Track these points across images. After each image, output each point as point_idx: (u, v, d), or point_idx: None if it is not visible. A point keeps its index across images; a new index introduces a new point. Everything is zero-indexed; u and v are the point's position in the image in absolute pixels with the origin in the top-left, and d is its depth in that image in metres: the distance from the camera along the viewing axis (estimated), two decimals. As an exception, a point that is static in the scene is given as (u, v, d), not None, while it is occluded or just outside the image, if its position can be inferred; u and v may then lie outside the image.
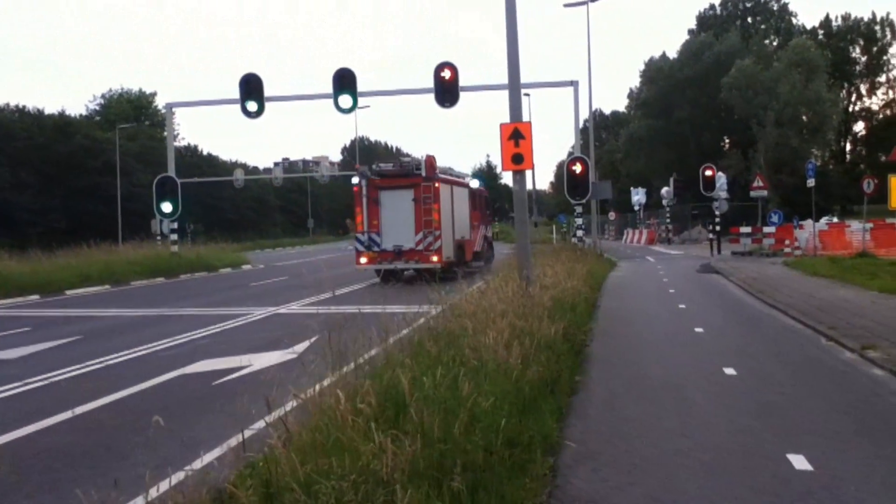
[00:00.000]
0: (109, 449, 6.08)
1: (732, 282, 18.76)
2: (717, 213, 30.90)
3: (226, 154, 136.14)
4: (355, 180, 21.51)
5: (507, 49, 12.14)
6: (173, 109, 33.63)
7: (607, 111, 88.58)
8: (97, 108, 74.06)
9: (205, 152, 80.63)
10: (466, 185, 25.40)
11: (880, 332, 10.02)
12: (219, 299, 18.47)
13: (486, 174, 68.79)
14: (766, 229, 29.15)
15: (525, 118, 12.61)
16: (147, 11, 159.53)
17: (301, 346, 8.04)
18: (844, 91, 66.60)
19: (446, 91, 22.86)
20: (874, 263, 20.45)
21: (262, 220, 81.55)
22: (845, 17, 68.91)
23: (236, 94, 24.67)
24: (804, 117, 50.42)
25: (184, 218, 33.53)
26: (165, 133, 42.14)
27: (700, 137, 56.84)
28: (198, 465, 4.44)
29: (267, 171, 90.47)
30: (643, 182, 59.54)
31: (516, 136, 11.73)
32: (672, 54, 61.44)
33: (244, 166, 79.76)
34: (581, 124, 29.04)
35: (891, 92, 69.42)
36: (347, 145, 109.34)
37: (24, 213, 48.67)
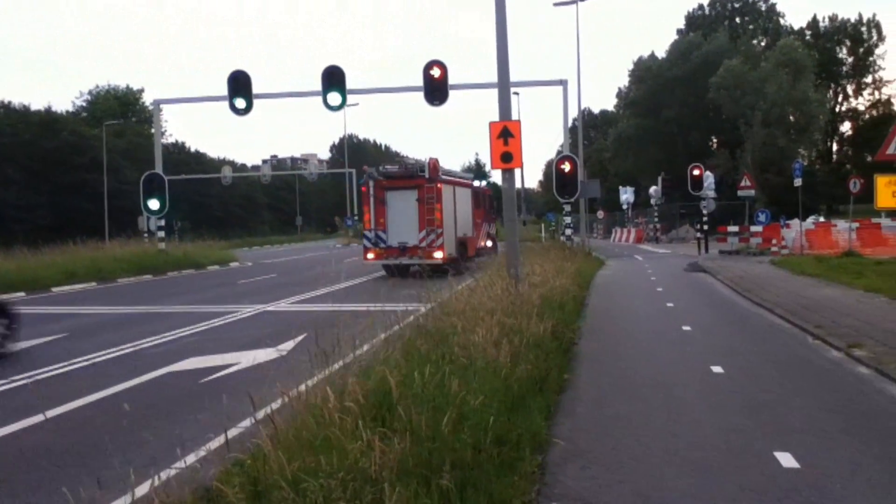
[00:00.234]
0: (96, 447, 6.03)
1: (720, 280, 18.84)
2: (704, 212, 31.02)
3: (214, 151, 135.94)
4: (363, 181, 22.80)
5: (496, 47, 12.15)
6: (161, 106, 33.40)
7: (596, 110, 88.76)
8: (84, 104, 73.59)
9: (192, 149, 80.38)
10: (470, 186, 26.50)
11: (866, 331, 10.08)
12: (206, 297, 18.39)
13: (475, 172, 68.77)
14: (754, 228, 29.28)
15: (514, 117, 12.62)
16: (137, 8, 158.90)
17: (289, 344, 8.02)
18: (831, 91, 67.02)
19: (435, 89, 22.83)
20: (860, 263, 20.58)
21: (250, 218, 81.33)
22: (832, 18, 69.38)
23: (225, 92, 24.56)
24: (791, 117, 50.67)
25: (171, 215, 33.33)
26: (153, 130, 41.90)
27: (688, 137, 57.02)
28: (185, 463, 4.41)
29: (255, 168, 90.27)
30: (631, 181, 59.71)
31: (505, 134, 11.73)
32: (661, 54, 61.68)
33: (232, 163, 79.54)
34: (570, 123, 29.08)
35: (877, 93, 69.98)
36: (336, 143, 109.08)
37: (9, 209, 48.30)
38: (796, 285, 16.57)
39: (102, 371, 9.38)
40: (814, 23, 69.23)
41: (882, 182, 14.56)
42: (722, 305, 14.57)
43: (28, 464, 5.80)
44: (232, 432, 4.66)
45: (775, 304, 13.31)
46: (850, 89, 70.43)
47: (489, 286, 10.01)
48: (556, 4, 32.42)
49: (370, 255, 22.81)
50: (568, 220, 28.96)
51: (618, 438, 5.84)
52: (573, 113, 40.22)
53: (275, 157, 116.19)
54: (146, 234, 34.50)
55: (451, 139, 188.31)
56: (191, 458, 4.67)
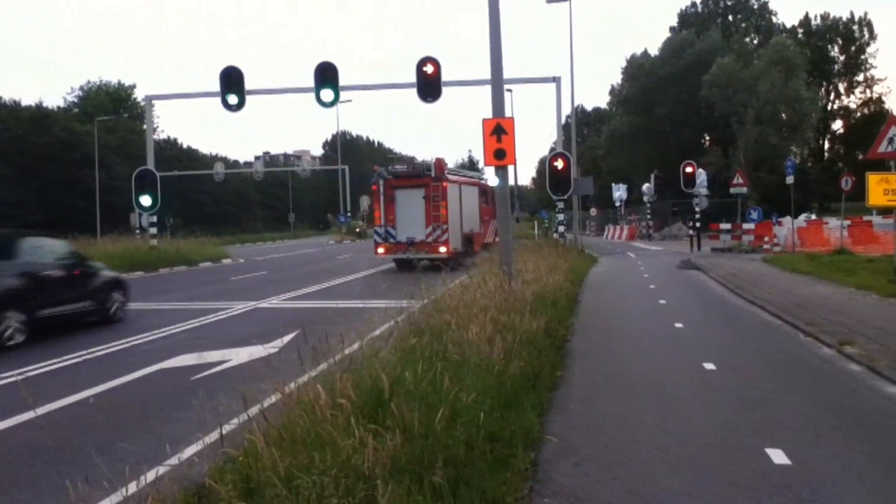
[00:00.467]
0: (87, 444, 6.01)
1: (712, 278, 18.89)
2: (697, 209, 31.08)
3: (206, 147, 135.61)
4: (374, 180, 24.21)
5: (489, 44, 12.13)
6: (153, 102, 33.27)
7: (589, 107, 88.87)
8: (75, 100, 73.33)
9: (185, 146, 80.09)
10: (477, 184, 27.72)
11: (857, 328, 10.12)
12: (198, 293, 18.34)
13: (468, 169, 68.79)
14: (746, 226, 29.36)
15: (507, 114, 12.60)
16: (130, 3, 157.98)
17: (281, 341, 7.99)
18: (823, 89, 67.30)
19: (429, 86, 22.75)
20: (851, 260, 20.67)
21: (242, 215, 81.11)
22: (824, 17, 69.68)
23: (218, 88, 24.42)
24: (783, 115, 50.83)
25: (163, 212, 33.18)
26: (145, 126, 41.75)
27: (681, 134, 57.12)
28: (177, 460, 4.40)
29: (248, 164, 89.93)
30: (624, 178, 59.81)
31: (499, 131, 11.71)
32: (654, 51, 61.69)
33: (224, 160, 79.19)
34: (563, 120, 29.02)
35: (868, 91, 70.32)
36: (329, 140, 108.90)
37: (0, 206, 48.08)
38: (788, 283, 16.63)
39: (93, 368, 9.35)
40: (806, 21, 69.54)
41: (873, 180, 14.59)
42: (714, 303, 14.61)
43: (18, 461, 5.78)
44: (224, 429, 4.65)
45: (767, 302, 13.35)
46: (841, 87, 70.80)
47: (482, 283, 10.01)
48: (549, 1, 32.37)
49: (381, 250, 24.01)
50: (561, 217, 28.99)
51: (610, 435, 5.84)
52: (566, 110, 40.26)
53: (267, 153, 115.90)
54: (138, 231, 34.37)
55: (445, 136, 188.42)
56: (183, 456, 4.66)
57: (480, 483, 4.26)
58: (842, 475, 4.87)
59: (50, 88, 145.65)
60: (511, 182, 26.42)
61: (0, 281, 11.27)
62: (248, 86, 23.92)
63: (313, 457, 4.01)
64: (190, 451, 5.03)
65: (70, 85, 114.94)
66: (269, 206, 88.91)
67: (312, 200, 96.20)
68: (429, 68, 22.50)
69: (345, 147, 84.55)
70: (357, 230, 59.88)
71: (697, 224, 31.26)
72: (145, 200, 27.35)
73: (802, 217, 35.03)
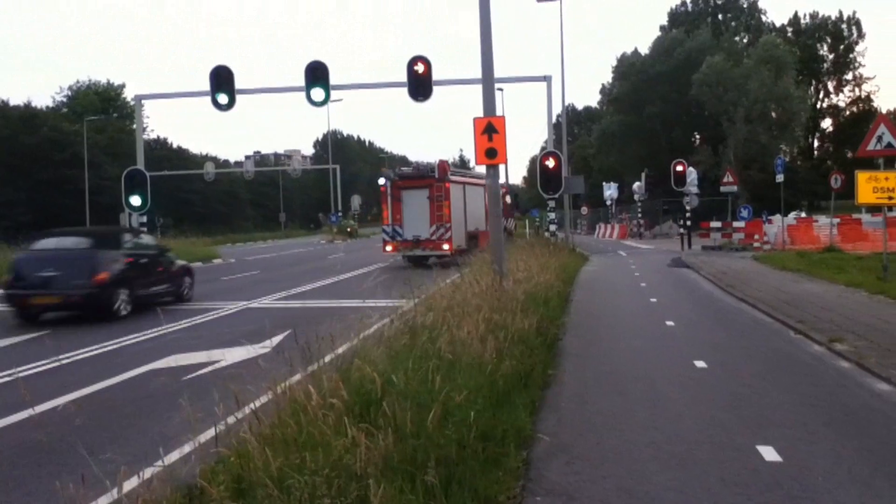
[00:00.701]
0: (77, 445, 5.98)
1: (703, 276, 18.96)
2: (687, 208, 31.17)
3: (196, 147, 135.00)
4: (381, 181, 25.76)
5: (480, 43, 12.13)
6: (142, 101, 33.06)
7: (580, 106, 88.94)
8: (64, 99, 72.91)
9: (175, 145, 79.87)
10: (482, 185, 28.06)
11: (847, 326, 10.18)
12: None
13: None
14: (736, 224, 29.49)
15: (499, 113, 12.60)
16: (118, 2, 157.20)
17: (273, 341, 7.98)
18: (812, 88, 67.57)
19: (420, 85, 22.71)
20: (841, 258, 20.79)
21: (233, 214, 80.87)
22: (813, 16, 69.97)
23: (208, 88, 24.31)
24: (773, 114, 50.98)
25: (153, 212, 32.97)
26: (134, 125, 41.47)
27: (671, 133, 57.28)
28: (168, 460, 4.38)
29: (238, 164, 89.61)
30: (615, 177, 59.93)
31: (490, 130, 11.72)
32: (644, 50, 61.80)
33: (215, 159, 79.05)
34: (554, 119, 29.05)
35: (857, 89, 70.66)
36: (320, 139, 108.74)
37: (-11, 206, 47.83)
38: (778, 280, 16.70)
39: (84, 368, 9.30)
40: (795, 20, 69.81)
41: (863, 178, 14.67)
42: (705, 301, 14.66)
43: (7, 461, 5.74)
44: (216, 429, 4.63)
45: (757, 300, 13.40)
46: (830, 86, 71.10)
47: (474, 282, 10.01)
48: (539, 0, 32.39)
49: (388, 248, 25.47)
50: (552, 215, 29.00)
51: (602, 433, 5.86)
52: (557, 109, 40.16)
53: (258, 153, 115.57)
54: (128, 231, 34.12)
55: (437, 135, 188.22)
56: (174, 456, 4.64)
57: (472, 482, 4.27)
58: (832, 471, 4.90)
59: (39, 88, 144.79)
60: (502, 180, 26.82)
61: (113, 266, 14.28)
62: (239, 85, 23.82)
63: (305, 457, 4.00)
64: (181, 451, 5.01)
65: (59, 84, 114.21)
66: (260, 205, 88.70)
67: (303, 200, 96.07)
68: (419, 67, 22.47)
69: (336, 146, 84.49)
70: (348, 230, 59.78)
71: (688, 222, 31.35)
72: (135, 200, 27.13)
73: (792, 215, 35.18)
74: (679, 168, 30.19)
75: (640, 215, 50.19)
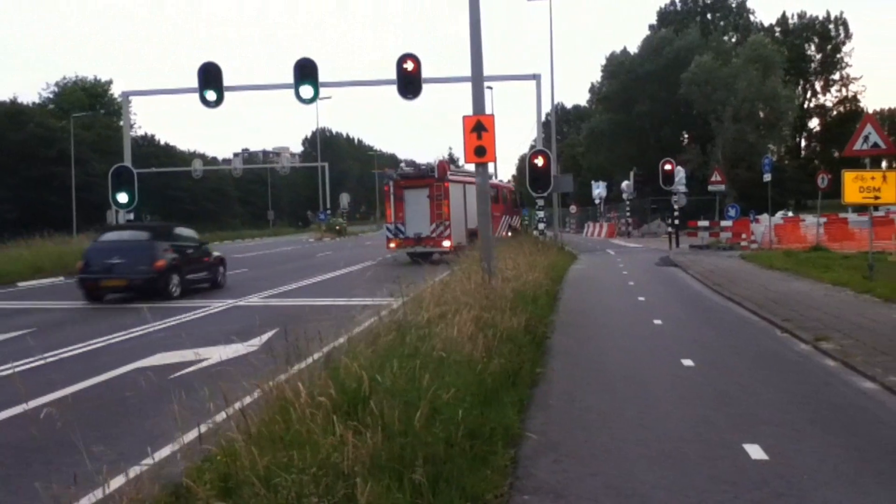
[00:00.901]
0: (63, 444, 5.93)
1: (690, 275, 19.03)
2: (675, 206, 31.27)
3: (184, 144, 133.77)
4: (385, 181, 27.04)
5: (469, 42, 12.12)
6: (130, 98, 32.85)
7: (569, 105, 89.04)
8: (51, 95, 72.24)
9: (163, 142, 79.35)
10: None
11: (833, 324, 10.24)
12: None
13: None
14: (724, 223, 29.61)
15: (488, 111, 12.60)
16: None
17: (260, 339, 7.95)
18: (800, 88, 67.95)
19: (409, 83, 22.67)
20: (828, 257, 20.91)
21: (221, 212, 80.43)
22: (801, 15, 70.40)
23: (196, 84, 24.17)
24: (761, 113, 51.20)
25: (140, 209, 32.78)
26: (121, 122, 41.29)
27: (660, 132, 57.43)
28: (154, 459, 4.35)
29: (226, 161, 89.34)
30: (604, 176, 60.07)
31: (479, 128, 11.72)
32: (633, 49, 61.88)
33: (203, 157, 78.75)
34: (543, 118, 29.09)
35: (844, 90, 71.13)
36: (309, 137, 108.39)
37: (-27, 203, 47.42)
38: (765, 279, 16.78)
39: (69, 367, 9.24)
40: (783, 20, 70.21)
41: (849, 177, 14.76)
42: (692, 299, 14.71)
43: (-7, 461, 5.69)
44: (203, 428, 4.61)
45: (745, 298, 13.46)
46: (818, 86, 71.57)
47: (463, 280, 10.01)
48: (529, -1, 32.43)
49: (392, 245, 26.55)
50: (541, 214, 29.05)
51: (590, 431, 5.87)
52: (546, 107, 40.25)
53: (246, 150, 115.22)
54: (115, 228, 33.90)
55: (426, 133, 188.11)
56: (161, 455, 4.61)
57: (460, 480, 4.26)
58: (818, 469, 4.92)
59: (25, 84, 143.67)
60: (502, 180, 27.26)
61: (168, 255, 16.83)
62: (228, 82, 23.70)
63: (292, 455, 3.99)
64: (168, 450, 4.98)
65: (45, 80, 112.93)
66: (248, 203, 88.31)
67: (292, 198, 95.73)
68: (409, 65, 22.43)
69: (325, 144, 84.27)
70: (337, 228, 59.63)
71: (676, 221, 31.46)
72: (122, 197, 26.91)
73: (779, 214, 35.37)
74: (667, 167, 30.28)
75: (628, 214, 50.33)
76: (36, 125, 55.88)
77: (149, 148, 70.98)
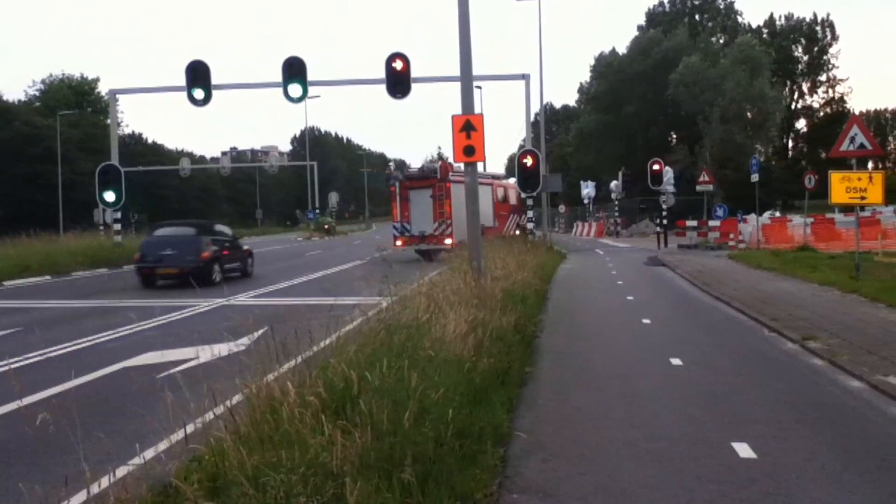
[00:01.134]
0: (49, 444, 5.88)
1: (679, 274, 19.09)
2: (664, 206, 31.40)
3: (172, 143, 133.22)
4: (391, 182, 28.18)
5: (458, 41, 12.12)
6: (117, 96, 32.71)
7: (558, 105, 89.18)
8: (37, 93, 71.82)
9: (150, 140, 79.14)
10: (490, 183, 30.44)
11: (820, 324, 10.30)
12: (164, 290, 18.07)
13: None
14: (712, 223, 29.73)
15: (477, 110, 12.61)
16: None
17: (249, 338, 7.90)
18: (787, 89, 68.41)
19: (398, 82, 22.70)
20: (815, 257, 21.04)
21: (208, 211, 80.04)
22: (788, 17, 70.90)
23: (184, 83, 24.07)
24: (748, 114, 51.49)
25: (127, 207, 32.72)
26: (108, 120, 41.01)
27: (648, 132, 57.62)
28: (142, 459, 4.33)
29: (214, 160, 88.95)
30: (593, 175, 60.19)
31: (468, 127, 11.72)
32: (622, 50, 62.12)
33: (190, 155, 78.19)
34: (532, 118, 29.17)
35: (831, 91, 71.65)
36: (297, 136, 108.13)
37: (-41, 201, 47.05)
38: (753, 279, 16.86)
39: (57, 366, 9.16)
40: (771, 21, 70.69)
41: (836, 178, 14.85)
42: (681, 299, 14.77)
43: (-22, 462, 5.64)
44: (190, 428, 4.58)
45: (732, 298, 13.52)
46: (805, 87, 72.10)
47: (452, 280, 10.00)
48: (518, -1, 32.44)
49: (398, 243, 27.63)
50: (530, 213, 29.12)
51: (579, 430, 5.88)
52: (535, 107, 40.31)
53: (234, 149, 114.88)
54: (102, 227, 33.87)
55: (416, 132, 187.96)
56: (148, 454, 4.58)
57: (449, 479, 4.26)
58: (805, 467, 4.95)
59: (10, 81, 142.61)
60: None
61: (211, 247, 19.24)
62: (216, 80, 23.64)
63: (281, 455, 3.97)
64: (156, 449, 4.95)
65: (31, 78, 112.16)
66: (236, 202, 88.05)
67: (280, 197, 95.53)
68: (398, 64, 22.44)
69: (313, 143, 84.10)
70: (325, 227, 59.49)
71: (664, 221, 31.57)
72: (109, 196, 26.87)
73: (767, 214, 35.57)
74: (656, 167, 30.39)
75: (617, 214, 50.46)
76: (22, 123, 55.56)
77: (136, 146, 70.70)
